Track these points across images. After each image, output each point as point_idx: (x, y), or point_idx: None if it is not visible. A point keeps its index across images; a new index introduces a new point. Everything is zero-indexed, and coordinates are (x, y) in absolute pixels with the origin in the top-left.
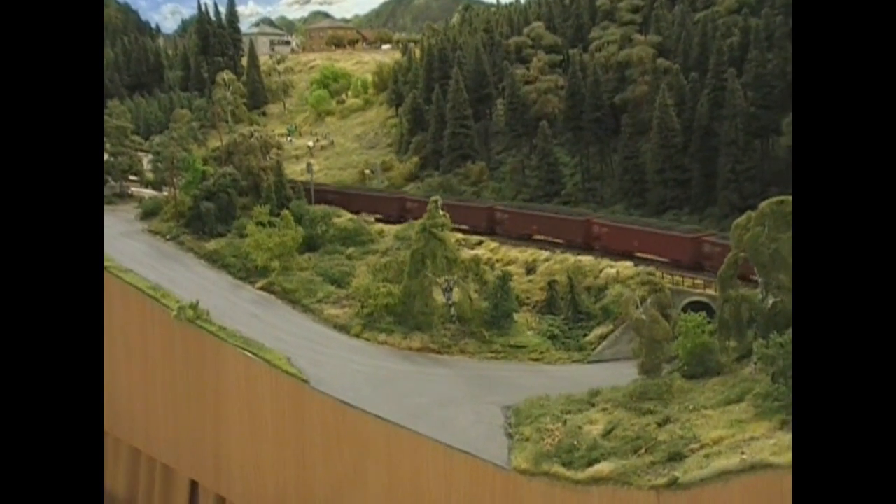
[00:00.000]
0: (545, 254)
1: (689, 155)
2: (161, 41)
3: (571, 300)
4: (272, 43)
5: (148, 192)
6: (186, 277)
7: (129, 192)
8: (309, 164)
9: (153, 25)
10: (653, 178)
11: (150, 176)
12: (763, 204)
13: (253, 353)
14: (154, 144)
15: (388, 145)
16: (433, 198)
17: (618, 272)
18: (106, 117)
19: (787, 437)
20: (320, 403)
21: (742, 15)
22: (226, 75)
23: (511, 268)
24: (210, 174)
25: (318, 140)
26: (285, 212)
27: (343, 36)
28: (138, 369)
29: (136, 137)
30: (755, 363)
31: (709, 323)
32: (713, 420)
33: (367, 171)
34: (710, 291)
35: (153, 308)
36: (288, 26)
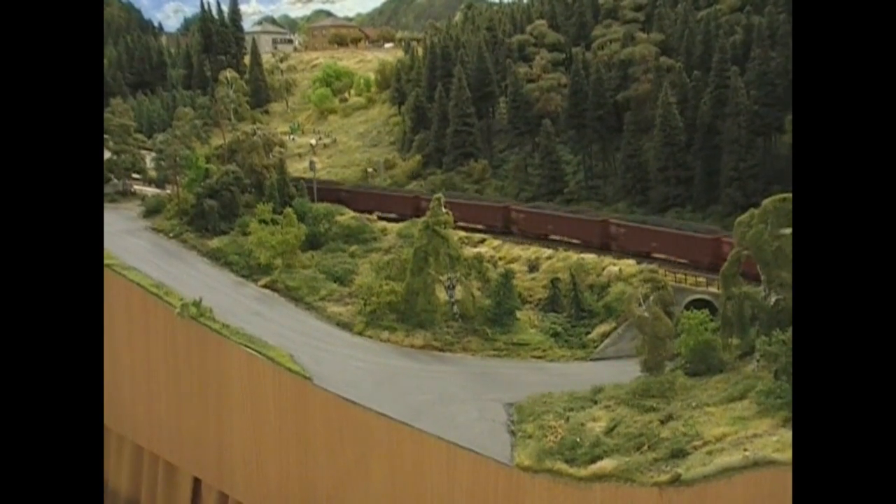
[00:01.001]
0: (548, 251)
1: (691, 153)
2: (164, 39)
3: (574, 298)
4: (275, 41)
5: (151, 190)
6: (189, 275)
7: (132, 189)
8: (311, 162)
9: (156, 24)
10: (655, 176)
11: (152, 174)
12: (766, 201)
13: (256, 351)
14: (157, 142)
15: (391, 143)
16: (436, 195)
17: (620, 270)
18: (109, 115)
19: (789, 434)
20: (323, 401)
21: (745, 13)
22: (228, 73)
23: (514, 265)
24: (213, 172)
25: (320, 138)
26: (288, 209)
27: (346, 34)
28: (141, 367)
29: (139, 135)
30: (758, 360)
31: (711, 320)
32: (716, 417)
33: (370, 170)
34: (713, 289)
35: (156, 306)
36: (290, 24)
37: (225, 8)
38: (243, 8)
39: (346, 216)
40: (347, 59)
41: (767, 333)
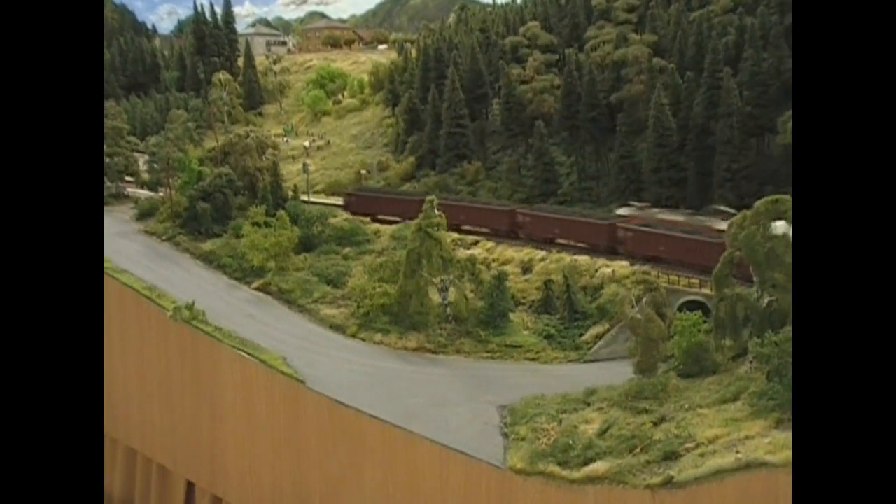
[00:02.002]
0: (541, 253)
1: (684, 154)
2: (157, 42)
3: (567, 299)
4: (268, 43)
5: (144, 193)
6: (182, 278)
7: (126, 192)
8: (305, 164)
9: (149, 26)
10: (649, 177)
11: (146, 176)
12: (758, 202)
13: (249, 354)
14: (150, 145)
15: (385, 145)
16: (429, 197)
17: (613, 271)
18: None
19: (782, 436)
20: (316, 403)
21: (737, 14)
22: (222, 76)
23: (507, 267)
24: (206, 175)
25: (314, 140)
26: (281, 212)
27: (339, 36)
28: (134, 370)
29: (132, 138)
30: (750, 362)
31: (704, 322)
32: (708, 419)
33: (364, 171)
34: (706, 290)
35: (149, 308)
36: (284, 27)
37: (218, 10)
38: (237, 10)
39: (339, 218)
40: (341, 61)
41: (760, 335)
